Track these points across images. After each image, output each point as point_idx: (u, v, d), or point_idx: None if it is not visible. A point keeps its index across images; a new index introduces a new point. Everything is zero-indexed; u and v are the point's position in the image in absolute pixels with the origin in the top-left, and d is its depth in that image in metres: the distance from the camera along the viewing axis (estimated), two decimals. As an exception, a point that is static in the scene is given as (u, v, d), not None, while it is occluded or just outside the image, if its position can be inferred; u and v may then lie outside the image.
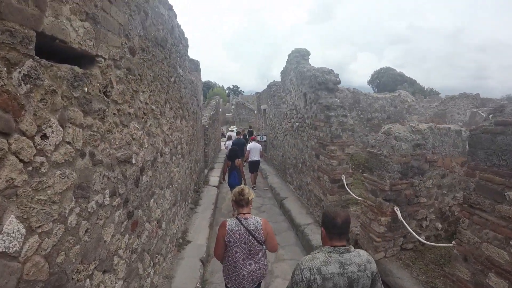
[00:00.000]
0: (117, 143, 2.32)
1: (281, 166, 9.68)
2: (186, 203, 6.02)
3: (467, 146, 4.37)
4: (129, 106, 2.61)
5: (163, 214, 3.99)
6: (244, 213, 2.76)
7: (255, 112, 20.59)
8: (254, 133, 15.54)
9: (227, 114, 41.53)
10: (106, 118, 2.13)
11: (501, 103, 10.35)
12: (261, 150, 8.88)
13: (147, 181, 3.22)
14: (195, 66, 7.57)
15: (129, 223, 2.67)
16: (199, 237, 5.27)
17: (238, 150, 7.13)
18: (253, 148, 8.68)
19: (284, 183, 9.14)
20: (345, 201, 5.43)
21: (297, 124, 7.31)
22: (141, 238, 3.03)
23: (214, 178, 9.80)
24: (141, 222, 3.02)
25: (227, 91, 69.89)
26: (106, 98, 2.14)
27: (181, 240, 5.02)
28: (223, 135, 22.97)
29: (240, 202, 2.77)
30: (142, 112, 3.04)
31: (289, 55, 8.01)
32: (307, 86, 6.32)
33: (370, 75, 59.71)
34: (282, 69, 8.95)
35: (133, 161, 2.70)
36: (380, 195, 3.70)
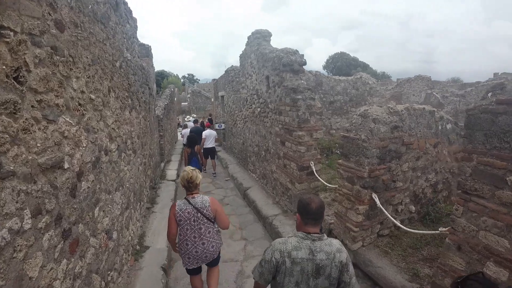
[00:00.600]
0: (38, 145, 1.75)
1: (242, 154, 9.30)
2: (142, 203, 5.42)
3: (439, 127, 4.32)
4: (56, 96, 2.02)
5: (113, 222, 3.42)
6: (192, 194, 2.94)
7: (212, 99, 19.85)
8: (211, 120, 15.09)
9: (183, 104, 40.16)
10: (19, 112, 1.56)
11: (500, 81, 10.74)
12: (217, 137, 9.13)
13: (89, 187, 2.65)
14: (146, 51, 6.80)
15: (66, 244, 2.12)
16: (159, 240, 4.75)
17: (196, 136, 7.38)
18: (208, 135, 8.94)
19: (246, 172, 8.79)
20: (314, 189, 5.20)
21: (258, 109, 6.92)
22: (85, 259, 2.48)
23: (172, 171, 9.15)
24: (83, 239, 2.46)
25: (182, 80, 67.90)
26: (18, 86, 1.57)
27: (138, 247, 4.46)
28: (179, 125, 22.03)
29: (189, 187, 2.95)
30: (77, 103, 2.44)
31: (249, 37, 7.52)
32: (270, 68, 5.93)
33: (325, 60, 61.06)
34: (241, 52, 8.44)
35: (66, 166, 2.13)
36: (357, 183, 3.46)
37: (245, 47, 7.95)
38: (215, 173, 9.49)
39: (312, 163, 4.90)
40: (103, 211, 3.11)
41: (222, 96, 13.28)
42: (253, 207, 6.28)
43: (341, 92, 9.95)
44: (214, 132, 9.22)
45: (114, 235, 3.44)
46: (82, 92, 2.56)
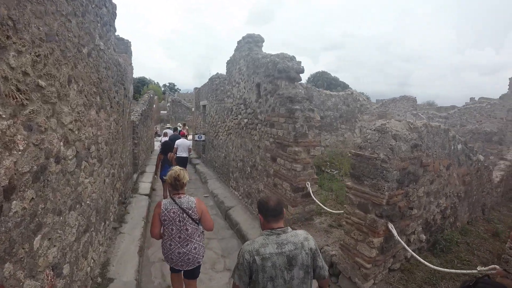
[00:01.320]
0: None
1: (224, 169, 8.59)
2: (107, 222, 4.58)
3: (452, 147, 3.86)
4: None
5: (64, 253, 2.64)
6: (179, 193, 2.89)
7: (193, 109, 19.05)
8: (180, 129, 14.42)
9: (162, 112, 39.13)
10: None
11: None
12: (190, 147, 8.94)
13: (25, 208, 1.91)
14: (125, 46, 6.08)
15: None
16: (126, 270, 3.93)
17: (171, 144, 7.57)
18: (181, 144, 8.49)
19: (227, 188, 8.07)
20: (309, 213, 4.59)
21: (245, 120, 6.30)
22: (7, 315, 1.71)
23: (145, 184, 8.28)
24: (12, 285, 1.71)
25: (163, 89, 66.67)
26: None
27: (99, 279, 3.63)
28: (157, 134, 21.08)
29: (176, 186, 2.90)
30: (14, 87, 1.74)
31: (239, 42, 6.96)
32: (262, 75, 5.36)
33: (307, 78, 61.82)
34: (228, 58, 7.86)
35: (-23, 178, 1.40)
36: (372, 211, 2.88)
37: (233, 52, 7.38)
38: None
39: (309, 183, 4.30)
40: (49, 239, 2.35)
41: (204, 106, 12.60)
42: (236, 230, 5.56)
43: (332, 108, 9.55)
44: (187, 142, 8.86)
45: (65, 270, 2.65)
46: (25, 73, 1.86)
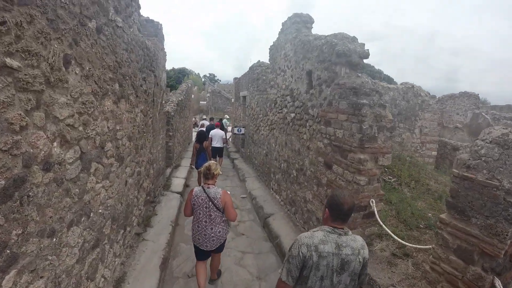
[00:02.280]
0: None
1: (264, 167, 7.88)
2: (129, 229, 4.07)
3: None
4: None
5: (57, 282, 2.09)
6: (209, 183, 3.33)
7: (233, 100, 18.56)
8: (226, 121, 14.82)
9: (201, 102, 39.44)
10: None
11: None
12: (224, 137, 9.37)
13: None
14: (154, 29, 5.53)
15: None
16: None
17: (205, 133, 7.62)
18: (215, 135, 9.01)
19: (267, 190, 7.35)
20: (369, 237, 3.71)
21: (292, 115, 5.49)
22: None
23: (179, 180, 7.83)
24: None
25: (203, 79, 67.64)
26: None
27: (108, 303, 3.09)
28: (195, 124, 20.92)
29: (207, 176, 3.34)
30: None
31: (284, 23, 6.14)
32: (314, 60, 4.51)
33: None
34: (271, 43, 7.06)
35: None
36: (479, 262, 1.98)
37: (277, 36, 6.57)
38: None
39: (373, 201, 3.42)
40: (32, 271, 1.79)
41: (244, 97, 11.95)
42: (276, 245, 4.82)
43: (389, 103, 8.38)
44: (221, 132, 9.41)
45: (53, 309, 2.08)
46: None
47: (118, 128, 3.40)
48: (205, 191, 3.26)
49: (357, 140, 3.32)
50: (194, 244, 3.45)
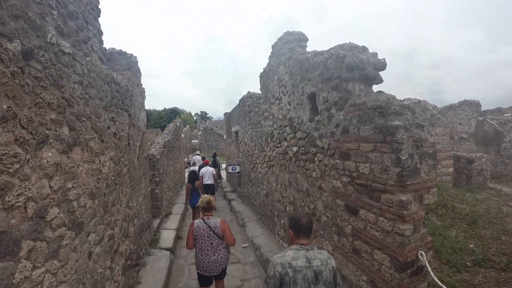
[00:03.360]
0: None
1: (265, 209, 6.90)
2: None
3: None
4: None
5: None
6: (208, 215, 3.69)
7: (225, 136, 17.80)
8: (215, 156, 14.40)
9: (193, 141, 38.78)
10: None
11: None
12: (214, 173, 9.43)
13: None
14: (127, 61, 4.78)
15: None
16: None
17: (197, 173, 7.86)
18: (205, 172, 9.15)
19: (272, 237, 6.31)
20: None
21: (295, 149, 4.65)
22: None
23: (169, 232, 6.77)
24: None
25: (195, 118, 67.68)
26: None
27: None
28: (188, 164, 19.96)
29: (207, 208, 3.71)
30: None
31: (274, 46, 5.47)
32: (318, 80, 3.74)
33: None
34: (261, 71, 6.38)
35: None
36: None
37: (268, 61, 5.89)
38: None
39: (423, 254, 2.49)
40: None
41: (236, 132, 11.18)
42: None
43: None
44: (211, 169, 9.52)
45: None
46: None
47: (70, 186, 2.50)
48: (205, 222, 3.59)
49: (394, 176, 2.44)
50: (198, 272, 3.67)
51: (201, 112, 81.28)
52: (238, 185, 11.55)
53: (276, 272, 2.07)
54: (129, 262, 4.42)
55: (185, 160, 19.07)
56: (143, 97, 5.58)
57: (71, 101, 2.56)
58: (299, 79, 4.33)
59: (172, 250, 5.93)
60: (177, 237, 6.77)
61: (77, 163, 2.67)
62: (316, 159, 3.94)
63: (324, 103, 3.65)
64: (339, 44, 3.50)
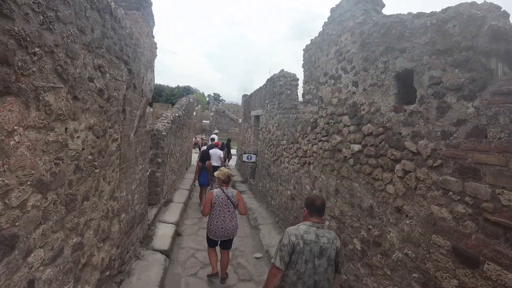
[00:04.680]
0: None
1: (287, 213, 5.66)
2: None
3: None
4: None
5: None
6: (226, 186, 4.08)
7: (240, 121, 16.45)
8: (230, 143, 14.84)
9: (204, 122, 37.66)
10: None
11: None
12: (221, 156, 9.72)
13: None
14: (137, 0, 3.49)
15: None
16: None
17: (209, 153, 8.34)
18: (213, 154, 9.23)
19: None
20: None
21: (357, 147, 3.33)
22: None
23: (166, 227, 5.56)
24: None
25: (207, 98, 66.71)
26: None
27: None
28: (196, 144, 18.84)
29: (226, 181, 4.09)
30: None
31: (334, 9, 4.11)
32: (421, 51, 2.37)
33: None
34: (309, 42, 5.02)
35: None
36: None
37: (321, 30, 4.54)
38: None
39: None
40: None
41: (257, 117, 9.87)
42: None
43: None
44: (218, 151, 9.74)
45: None
46: None
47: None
48: (224, 192, 4.00)
49: None
50: (208, 236, 4.09)
51: (214, 93, 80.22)
52: (251, 176, 10.32)
53: (290, 240, 2.32)
54: (108, 272, 3.22)
55: (193, 141, 17.85)
56: (154, 54, 4.28)
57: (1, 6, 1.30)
58: (380, 50, 2.98)
59: (168, 253, 4.74)
60: (176, 234, 5.58)
61: (9, 127, 1.43)
62: (398, 167, 2.64)
63: (432, 86, 2.32)
64: (465, 2, 2.17)
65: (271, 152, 7.18)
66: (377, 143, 2.94)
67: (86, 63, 2.20)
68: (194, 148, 17.99)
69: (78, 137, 2.19)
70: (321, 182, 4.22)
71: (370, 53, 3.16)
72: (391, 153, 2.74)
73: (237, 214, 4.13)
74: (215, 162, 9.22)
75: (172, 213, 6.37)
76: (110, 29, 2.59)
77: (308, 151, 4.74)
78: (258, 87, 10.08)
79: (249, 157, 9.48)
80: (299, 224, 2.48)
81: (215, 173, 4.22)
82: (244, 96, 15.33)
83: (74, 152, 2.15)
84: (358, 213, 3.25)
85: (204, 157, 7.84)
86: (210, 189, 7.41)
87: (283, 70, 6.99)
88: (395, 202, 2.68)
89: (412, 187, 2.49)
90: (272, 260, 2.38)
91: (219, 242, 4.11)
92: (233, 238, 4.16)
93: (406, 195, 2.57)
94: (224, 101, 70.43)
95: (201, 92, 67.80)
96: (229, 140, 14.86)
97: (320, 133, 4.28)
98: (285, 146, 6.02)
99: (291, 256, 2.31)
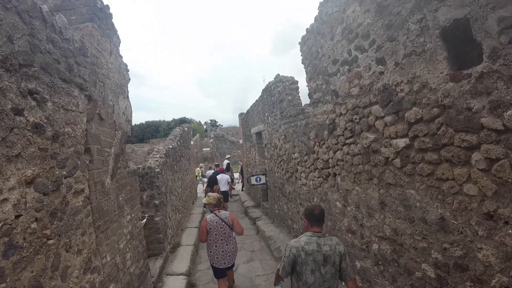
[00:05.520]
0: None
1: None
2: None
3: None
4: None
5: None
6: (218, 209, 4.18)
7: (241, 142, 15.73)
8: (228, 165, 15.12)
9: (204, 149, 37.14)
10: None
11: None
12: (230, 181, 10.34)
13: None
14: (89, 9, 2.82)
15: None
16: None
17: (216, 178, 9.57)
18: (221, 179, 9.75)
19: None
20: None
21: (401, 142, 2.57)
22: None
23: (176, 281, 4.72)
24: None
25: (204, 126, 66.82)
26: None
27: None
28: (202, 176, 18.33)
29: (218, 205, 4.22)
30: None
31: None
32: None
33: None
34: (303, 33, 4.38)
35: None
36: None
37: (317, 13, 3.88)
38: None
39: None
40: None
41: (259, 133, 9.16)
42: None
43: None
44: (226, 176, 10.28)
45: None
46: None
47: None
48: (217, 215, 4.05)
49: None
50: (212, 266, 4.08)
51: (210, 120, 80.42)
52: (263, 199, 9.51)
53: (291, 253, 2.49)
54: None
55: (197, 170, 17.11)
56: (125, 77, 3.61)
57: None
58: (409, 7, 2.28)
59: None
60: (190, 287, 4.75)
61: None
62: (476, 157, 1.88)
63: (506, 30, 1.62)
64: None
65: (283, 170, 6.41)
66: (434, 130, 2.19)
67: (4, 88, 1.51)
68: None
69: (5, 199, 1.46)
70: (356, 196, 3.43)
71: (394, 16, 2.47)
72: (460, 139, 1.99)
73: (234, 235, 4.22)
74: (223, 187, 9.67)
75: (182, 261, 5.53)
76: (46, 41, 1.92)
77: (330, 160, 3.98)
78: (253, 102, 9.45)
79: (258, 179, 8.69)
80: (300, 236, 2.64)
81: (203, 200, 4.41)
82: (241, 114, 14.69)
83: (0, 225, 1.42)
84: (422, 229, 2.46)
85: (212, 182, 8.60)
86: None
87: (278, 75, 6.34)
88: (483, 206, 1.91)
89: (509, 180, 1.74)
90: (278, 266, 2.67)
91: (225, 272, 4.22)
92: (234, 261, 4.29)
93: (499, 193, 1.81)
94: (222, 125, 70.26)
95: (197, 121, 67.82)
96: (228, 165, 14.65)
97: (343, 135, 3.53)
98: (298, 160, 5.26)
99: (295, 267, 2.51)
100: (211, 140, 37.76)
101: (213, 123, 76.93)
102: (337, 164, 3.79)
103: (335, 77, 3.61)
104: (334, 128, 3.76)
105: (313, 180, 4.67)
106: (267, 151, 7.99)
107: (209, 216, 4.07)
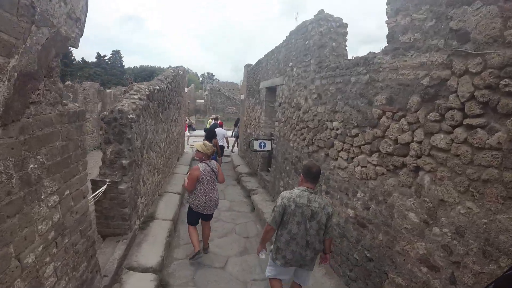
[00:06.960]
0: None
1: (350, 250, 3.53)
2: None
3: None
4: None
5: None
6: (209, 159, 4.33)
7: (242, 97, 13.93)
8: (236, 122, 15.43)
9: (198, 101, 35.40)
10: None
11: None
12: (226, 136, 11.24)
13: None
14: None
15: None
16: None
17: (214, 131, 9.22)
18: (218, 133, 9.92)
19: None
20: None
21: None
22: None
23: (140, 280, 3.40)
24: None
25: (201, 79, 64.37)
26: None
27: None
28: (190, 127, 17.23)
29: (209, 155, 4.31)
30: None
31: None
32: None
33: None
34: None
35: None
36: None
37: None
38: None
39: None
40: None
41: (271, 88, 7.55)
42: None
43: None
44: (223, 131, 10.91)
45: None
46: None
47: None
48: (208, 165, 4.21)
49: None
50: (195, 212, 4.23)
51: (208, 73, 77.87)
52: (262, 168, 8.17)
53: (282, 202, 2.70)
54: None
55: (186, 122, 15.53)
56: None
57: None
58: None
59: None
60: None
61: None
62: None
63: None
64: None
65: (304, 139, 4.93)
66: None
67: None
68: (188, 130, 16.00)
69: None
70: (462, 216, 2.01)
71: None
72: None
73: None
74: (220, 141, 10.01)
75: (153, 245, 4.15)
76: None
77: (413, 145, 2.50)
78: (290, 31, 7.16)
79: (262, 144, 7.25)
80: (294, 189, 2.85)
81: (196, 145, 4.35)
82: (247, 65, 12.85)
83: None
84: None
85: (211, 135, 8.48)
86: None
87: (323, 10, 4.62)
88: None
89: None
90: (267, 220, 2.85)
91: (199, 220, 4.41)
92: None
93: None
94: (219, 80, 67.74)
95: (194, 72, 65.01)
96: (237, 120, 15.04)
97: (461, 109, 2.03)
98: (339, 132, 3.76)
99: (283, 216, 2.73)
100: (206, 93, 36.02)
101: (210, 76, 74.45)
102: (430, 155, 2.32)
103: (465, 7, 2.03)
104: (438, 94, 2.24)
105: (364, 167, 3.21)
106: (281, 112, 6.45)
107: (201, 166, 4.16)
